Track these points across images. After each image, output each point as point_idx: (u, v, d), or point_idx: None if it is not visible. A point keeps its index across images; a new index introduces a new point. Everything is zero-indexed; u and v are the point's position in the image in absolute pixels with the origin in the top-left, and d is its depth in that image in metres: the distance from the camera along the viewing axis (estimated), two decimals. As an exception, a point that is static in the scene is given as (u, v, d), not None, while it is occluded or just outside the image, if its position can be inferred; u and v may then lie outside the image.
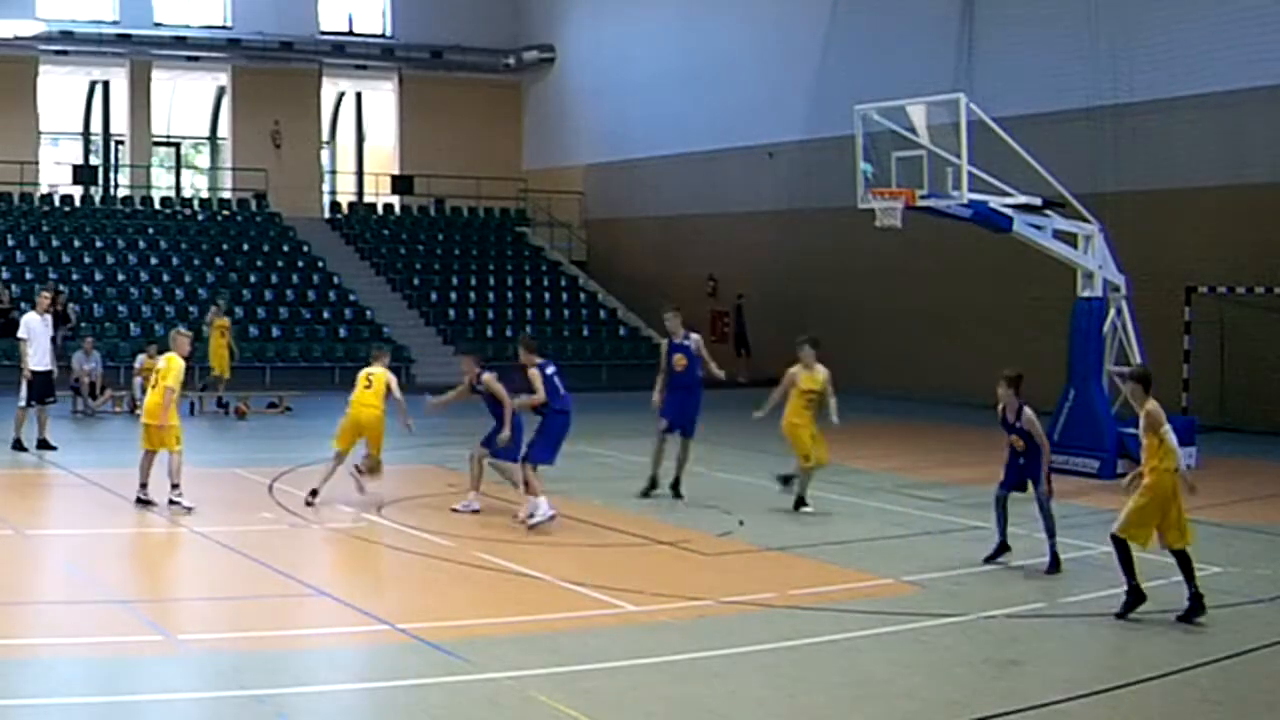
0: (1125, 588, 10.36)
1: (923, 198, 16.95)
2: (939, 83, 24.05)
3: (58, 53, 35.39)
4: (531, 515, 13.37)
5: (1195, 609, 10.20)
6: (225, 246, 34.41)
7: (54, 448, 18.18)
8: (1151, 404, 10.60)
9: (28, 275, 31.01)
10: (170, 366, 14.16)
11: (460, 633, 9.50)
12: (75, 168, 36.84)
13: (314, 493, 14.54)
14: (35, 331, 18.29)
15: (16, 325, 19.28)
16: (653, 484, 15.55)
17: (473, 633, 9.55)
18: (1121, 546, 10.44)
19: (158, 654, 9.00)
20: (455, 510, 14.24)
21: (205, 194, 39.02)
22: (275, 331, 31.12)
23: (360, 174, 41.20)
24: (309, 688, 8.38)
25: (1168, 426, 10.43)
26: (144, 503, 14.09)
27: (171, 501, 13.95)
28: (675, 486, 15.55)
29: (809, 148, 29.96)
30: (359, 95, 41.23)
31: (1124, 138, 24.59)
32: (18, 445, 17.96)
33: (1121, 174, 24.13)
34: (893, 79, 26.28)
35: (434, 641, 9.17)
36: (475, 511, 14.22)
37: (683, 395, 15.55)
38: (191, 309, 31.01)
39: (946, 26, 27.78)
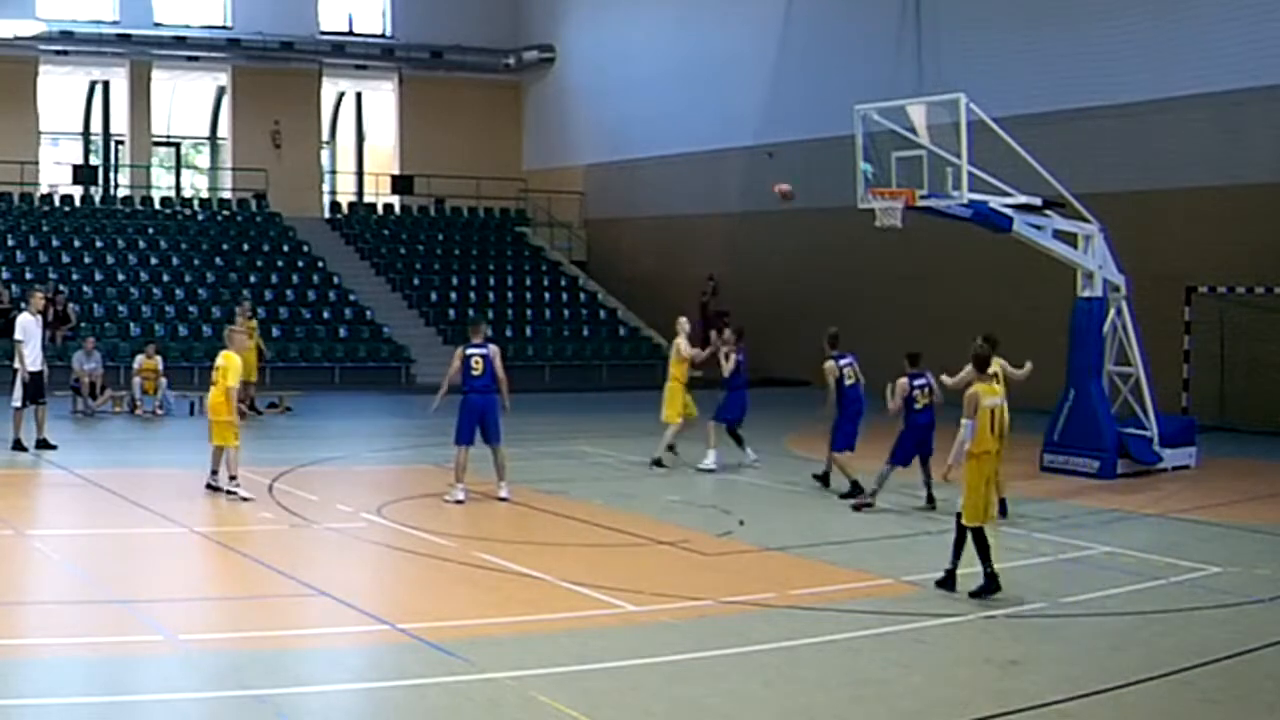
0: (983, 573, 10.72)
1: (923, 198, 16.92)
2: (938, 82, 24.12)
3: (58, 53, 35.39)
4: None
5: (989, 587, 10.67)
6: (225, 246, 34.40)
7: (54, 447, 18.18)
8: (973, 389, 10.92)
9: (28, 275, 30.98)
10: (229, 364, 14.92)
11: (460, 633, 9.50)
12: (75, 168, 36.83)
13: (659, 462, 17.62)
14: (31, 332, 18.33)
15: (15, 325, 19.33)
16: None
17: (473, 633, 9.55)
18: (978, 535, 10.78)
19: (158, 654, 9.00)
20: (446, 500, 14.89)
21: (205, 194, 39.01)
22: (275, 331, 31.06)
23: (360, 174, 41.20)
24: (309, 688, 8.38)
25: (966, 421, 10.76)
26: (213, 489, 14.84)
27: (229, 492, 14.62)
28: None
29: (809, 147, 29.94)
30: (359, 95, 41.22)
31: (1124, 138, 24.59)
32: (18, 445, 17.97)
33: (1121, 174, 24.12)
34: (892, 79, 26.34)
35: (434, 641, 9.17)
36: (460, 502, 14.76)
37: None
38: (191, 309, 31.03)
39: (947, 27, 27.78)
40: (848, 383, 15.69)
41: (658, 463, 17.91)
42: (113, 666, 8.64)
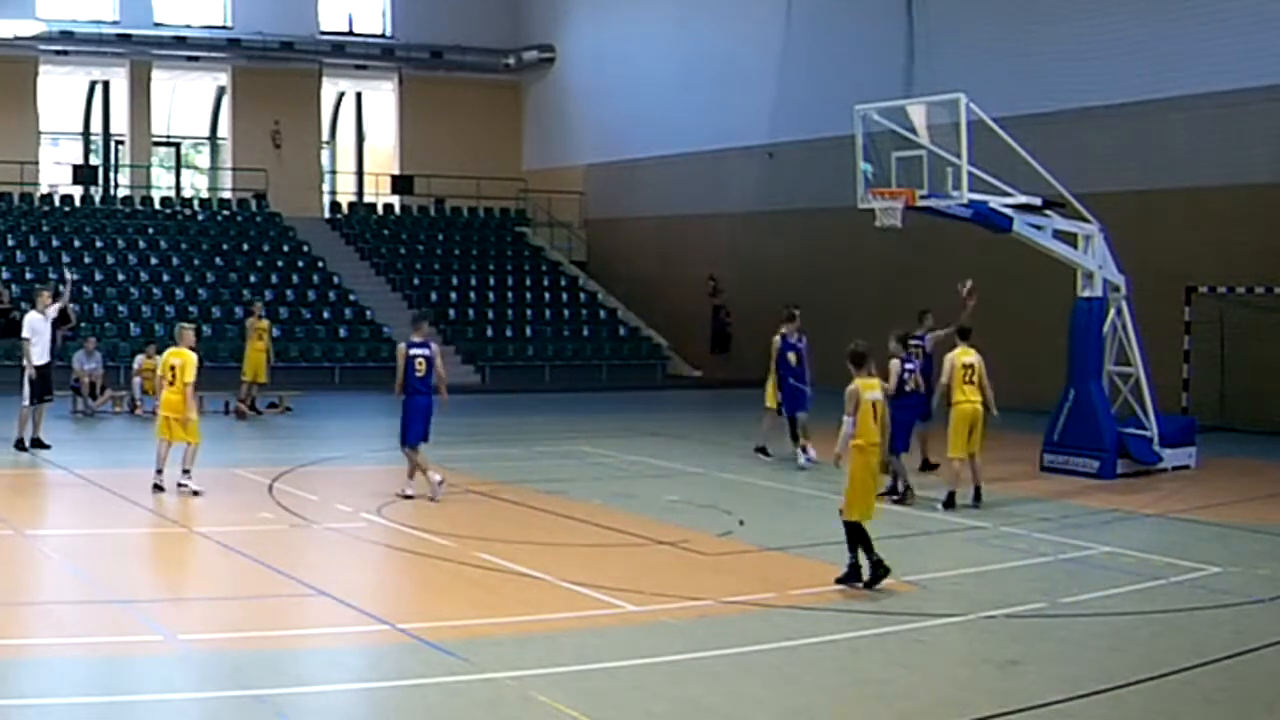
0: (849, 562, 10.94)
1: (923, 197, 16.91)
2: (939, 82, 24.08)
3: (58, 53, 35.40)
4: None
5: (877, 576, 10.92)
6: (225, 246, 34.42)
7: (48, 446, 18.19)
8: (852, 384, 11.18)
9: (28, 275, 31.01)
10: (186, 362, 14.86)
11: (460, 633, 9.49)
12: (75, 168, 36.82)
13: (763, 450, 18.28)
14: (38, 330, 18.38)
15: (17, 326, 19.31)
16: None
17: (473, 633, 9.54)
18: (851, 528, 10.97)
19: (158, 654, 8.99)
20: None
21: (205, 194, 39.00)
22: (275, 331, 31.01)
23: (360, 174, 41.19)
24: (309, 688, 8.37)
25: (847, 417, 11.01)
26: (158, 488, 14.80)
27: (180, 485, 14.71)
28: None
29: (809, 147, 29.96)
30: (359, 95, 41.21)
31: (1124, 138, 24.57)
32: (19, 445, 17.97)
33: (1122, 174, 24.10)
34: (893, 79, 26.34)
35: (434, 641, 9.17)
36: (440, 482, 14.77)
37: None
38: (191, 309, 31.00)
39: (948, 27, 27.78)
40: (907, 388, 15.30)
41: (763, 450, 18.50)
42: (112, 666, 8.64)
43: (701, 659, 9.01)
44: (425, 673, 8.65)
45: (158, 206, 36.35)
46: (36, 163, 35.86)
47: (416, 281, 34.95)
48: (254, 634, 9.51)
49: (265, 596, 10.81)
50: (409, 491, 14.93)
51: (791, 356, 18.00)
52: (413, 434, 14.90)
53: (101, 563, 12.01)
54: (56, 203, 35.20)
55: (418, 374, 14.86)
